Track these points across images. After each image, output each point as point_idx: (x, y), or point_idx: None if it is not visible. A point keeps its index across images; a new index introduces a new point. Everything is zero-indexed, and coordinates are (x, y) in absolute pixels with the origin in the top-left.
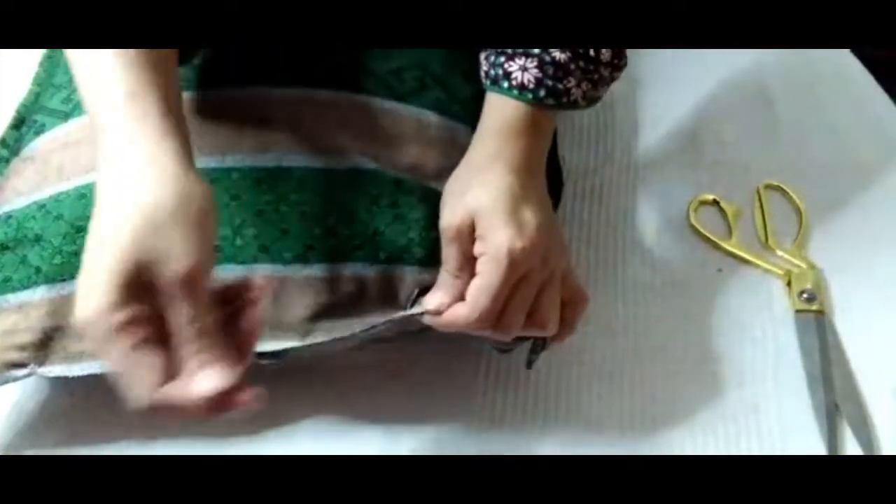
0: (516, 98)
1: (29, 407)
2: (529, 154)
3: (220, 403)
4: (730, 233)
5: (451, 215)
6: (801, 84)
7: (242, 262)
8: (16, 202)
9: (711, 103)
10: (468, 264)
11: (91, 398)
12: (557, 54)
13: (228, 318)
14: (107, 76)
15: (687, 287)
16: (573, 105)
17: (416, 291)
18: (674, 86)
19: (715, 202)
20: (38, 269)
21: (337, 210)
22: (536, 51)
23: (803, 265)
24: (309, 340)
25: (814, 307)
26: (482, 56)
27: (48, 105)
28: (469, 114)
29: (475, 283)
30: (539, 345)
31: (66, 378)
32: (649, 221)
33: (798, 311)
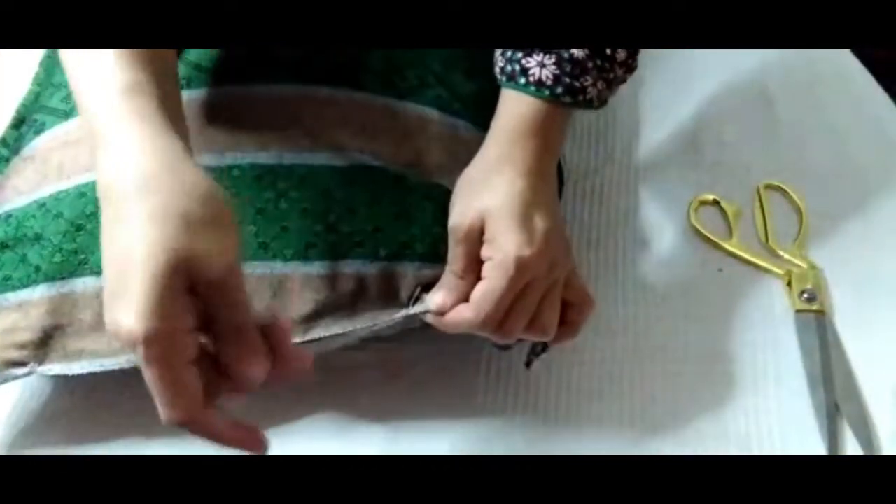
0: (533, 94)
1: (29, 406)
2: (542, 155)
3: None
4: (730, 233)
5: (461, 216)
6: (801, 84)
7: (242, 260)
8: (16, 201)
9: (712, 103)
10: (474, 266)
11: (91, 398)
12: (575, 52)
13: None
14: (104, 72)
15: (687, 287)
16: (588, 104)
17: (418, 289)
18: (674, 86)
19: (715, 202)
20: (37, 268)
21: (337, 207)
22: None
23: (803, 265)
24: (309, 337)
25: (814, 307)
26: (498, 52)
27: (48, 104)
28: (470, 111)
29: (480, 288)
30: (539, 347)
31: (66, 377)
32: (650, 221)
33: (798, 311)
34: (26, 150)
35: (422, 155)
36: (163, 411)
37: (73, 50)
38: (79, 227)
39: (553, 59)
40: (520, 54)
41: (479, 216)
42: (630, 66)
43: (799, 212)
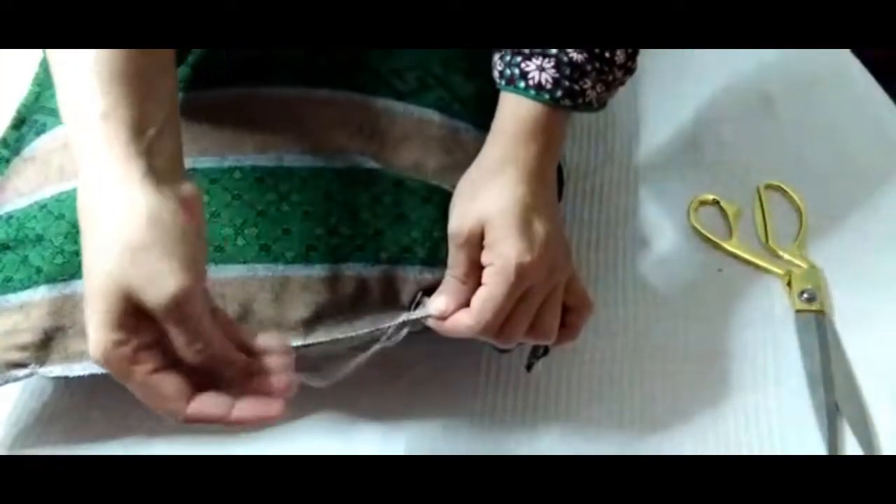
0: (533, 98)
1: (29, 406)
2: (542, 159)
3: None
4: (730, 233)
5: (460, 221)
6: (801, 84)
7: (244, 262)
8: (17, 202)
9: (712, 103)
10: (475, 271)
11: (91, 398)
12: (574, 55)
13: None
14: (83, 96)
15: (687, 287)
16: (587, 107)
17: (420, 294)
18: (674, 86)
19: (715, 202)
20: (39, 269)
21: (338, 210)
22: (554, 51)
23: (803, 265)
24: (310, 340)
25: (814, 307)
26: (496, 56)
27: (49, 105)
28: (470, 112)
29: (480, 294)
30: (540, 350)
31: (66, 378)
32: (649, 221)
33: (798, 311)
34: (27, 151)
35: (421, 158)
36: (155, 412)
37: (58, 69)
38: (80, 229)
39: (552, 63)
40: (518, 58)
41: (478, 221)
42: (629, 69)
43: (799, 212)
